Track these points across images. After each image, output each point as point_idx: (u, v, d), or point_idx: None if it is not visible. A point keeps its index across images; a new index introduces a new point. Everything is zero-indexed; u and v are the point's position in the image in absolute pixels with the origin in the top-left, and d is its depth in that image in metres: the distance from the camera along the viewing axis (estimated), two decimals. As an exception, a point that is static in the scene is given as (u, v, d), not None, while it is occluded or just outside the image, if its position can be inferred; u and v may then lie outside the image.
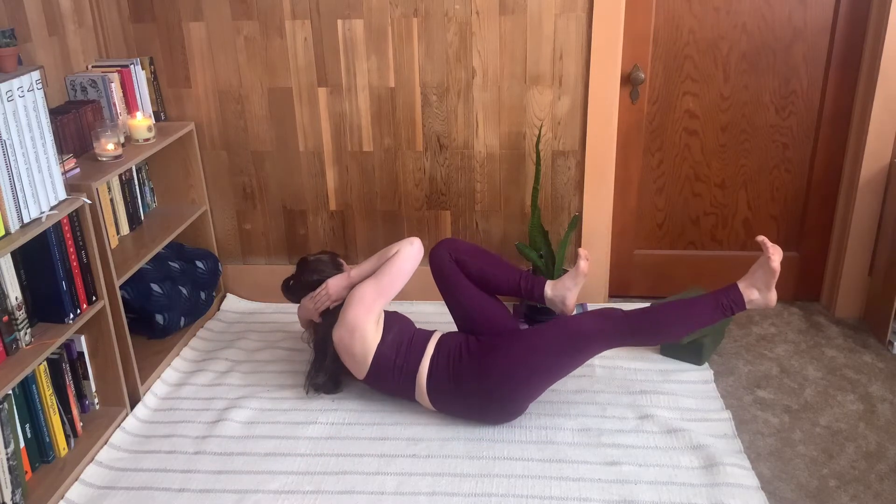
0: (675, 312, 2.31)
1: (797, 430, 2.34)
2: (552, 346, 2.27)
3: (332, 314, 2.44)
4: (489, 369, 2.26)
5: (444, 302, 2.54)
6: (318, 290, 2.49)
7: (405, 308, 3.06)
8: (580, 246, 3.02)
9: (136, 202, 2.85)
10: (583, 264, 2.44)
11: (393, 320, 2.44)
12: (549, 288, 2.48)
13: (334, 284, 2.47)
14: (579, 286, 2.47)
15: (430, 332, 2.45)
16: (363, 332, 2.32)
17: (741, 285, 2.31)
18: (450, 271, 2.46)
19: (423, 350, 2.36)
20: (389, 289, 2.36)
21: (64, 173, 2.28)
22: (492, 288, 2.49)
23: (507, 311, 2.51)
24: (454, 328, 2.54)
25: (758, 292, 2.30)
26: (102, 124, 2.53)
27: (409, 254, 2.39)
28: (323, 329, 2.47)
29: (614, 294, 3.15)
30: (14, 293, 2.06)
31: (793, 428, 2.35)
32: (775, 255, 2.26)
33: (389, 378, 2.37)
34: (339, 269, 2.55)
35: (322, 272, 2.53)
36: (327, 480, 2.15)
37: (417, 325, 2.51)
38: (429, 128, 2.93)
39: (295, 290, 2.59)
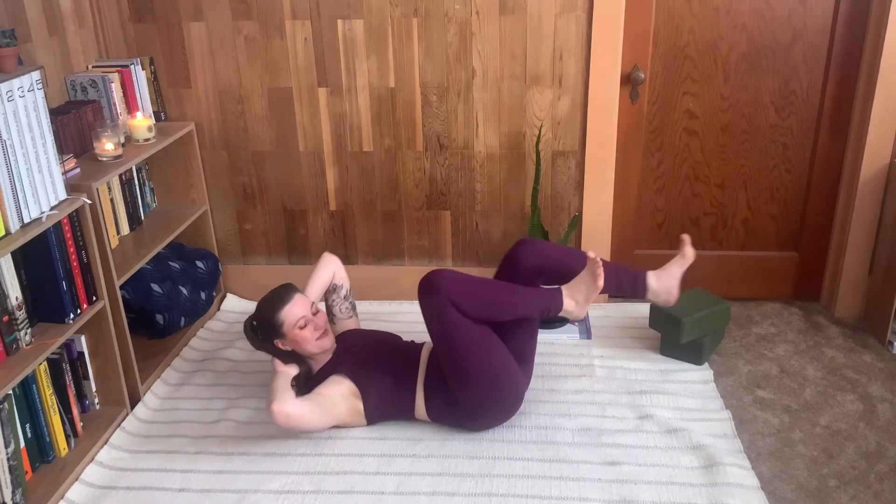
0: (502, 296, 2.22)
1: (797, 430, 2.34)
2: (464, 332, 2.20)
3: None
4: (468, 382, 2.22)
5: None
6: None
7: (404, 308, 3.07)
8: (580, 246, 3.02)
9: (136, 202, 2.85)
10: (601, 283, 2.28)
11: (369, 374, 2.31)
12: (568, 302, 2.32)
13: (279, 374, 2.29)
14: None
15: (416, 363, 2.35)
16: (343, 421, 2.31)
17: (564, 291, 2.25)
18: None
19: (414, 386, 2.31)
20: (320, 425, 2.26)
21: (64, 173, 2.28)
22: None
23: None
24: None
25: (574, 304, 2.24)
26: (102, 124, 2.53)
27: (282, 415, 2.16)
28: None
29: (614, 294, 3.14)
30: (14, 293, 2.06)
31: (793, 428, 2.35)
32: (601, 276, 2.20)
33: (388, 418, 2.36)
34: (281, 309, 2.29)
35: (263, 343, 2.32)
36: (327, 480, 2.15)
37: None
38: (429, 128, 2.93)
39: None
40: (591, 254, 2.22)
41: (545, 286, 2.33)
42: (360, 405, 2.30)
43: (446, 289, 2.14)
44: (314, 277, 2.49)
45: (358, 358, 2.36)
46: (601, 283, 2.22)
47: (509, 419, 2.35)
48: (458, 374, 2.21)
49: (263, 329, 2.30)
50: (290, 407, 2.15)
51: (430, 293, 2.15)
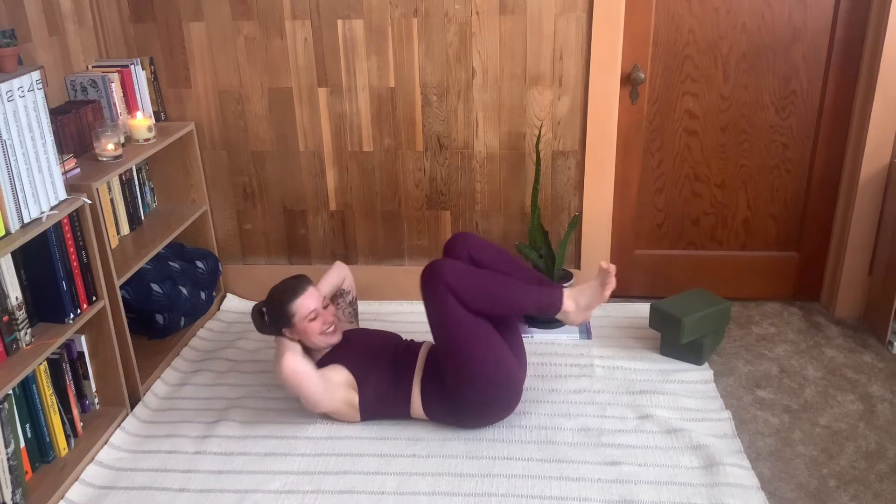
0: (502, 290, 2.23)
1: (797, 430, 2.34)
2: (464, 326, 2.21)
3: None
4: (467, 378, 2.22)
5: None
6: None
7: (404, 308, 3.07)
8: (580, 246, 3.02)
9: (137, 202, 2.85)
10: (607, 294, 2.31)
11: (367, 368, 2.32)
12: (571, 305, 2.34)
13: (285, 341, 2.33)
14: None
15: (414, 360, 2.36)
16: (337, 410, 2.32)
17: (567, 293, 2.29)
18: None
19: (411, 382, 2.31)
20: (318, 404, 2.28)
21: (64, 173, 2.28)
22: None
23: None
24: None
25: (575, 307, 2.28)
26: (102, 124, 2.53)
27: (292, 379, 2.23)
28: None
29: (614, 294, 3.14)
30: (14, 293, 2.06)
31: (793, 428, 2.35)
32: (611, 286, 2.27)
33: (383, 415, 2.36)
34: (294, 302, 2.32)
35: (270, 329, 2.35)
36: (327, 480, 2.15)
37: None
38: (429, 128, 2.93)
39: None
40: (604, 264, 2.29)
41: (545, 285, 2.34)
42: (356, 398, 2.31)
43: (447, 276, 2.16)
44: (326, 277, 2.55)
45: (357, 352, 2.38)
46: (608, 294, 2.28)
47: (507, 417, 2.36)
48: (456, 366, 2.22)
49: (273, 316, 2.33)
50: (299, 364, 2.21)
51: (431, 280, 2.18)
